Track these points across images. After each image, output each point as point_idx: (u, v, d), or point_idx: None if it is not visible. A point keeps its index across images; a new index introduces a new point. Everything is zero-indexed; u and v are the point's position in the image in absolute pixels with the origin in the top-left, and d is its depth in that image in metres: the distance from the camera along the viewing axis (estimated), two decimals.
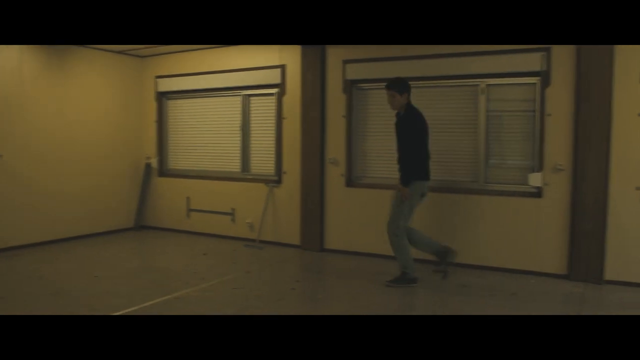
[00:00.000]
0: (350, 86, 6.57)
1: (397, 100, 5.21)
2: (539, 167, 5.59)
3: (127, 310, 4.43)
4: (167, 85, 8.15)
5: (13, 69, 6.63)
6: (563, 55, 5.39)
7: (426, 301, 4.89)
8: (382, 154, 6.50)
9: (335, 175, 6.68)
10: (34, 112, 6.86)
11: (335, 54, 6.57)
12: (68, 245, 7.10)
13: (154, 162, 8.33)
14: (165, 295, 4.89)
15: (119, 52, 7.90)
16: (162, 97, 8.27)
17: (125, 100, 8.15)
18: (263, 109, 7.37)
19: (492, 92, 5.87)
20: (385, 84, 5.32)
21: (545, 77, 5.50)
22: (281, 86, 7.03)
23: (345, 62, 6.52)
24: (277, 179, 7.20)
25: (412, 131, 5.19)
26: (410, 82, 5.53)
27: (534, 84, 5.64)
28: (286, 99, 7.01)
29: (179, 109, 8.24)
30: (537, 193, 5.61)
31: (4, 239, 6.58)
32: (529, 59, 5.55)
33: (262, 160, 7.43)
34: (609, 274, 5.29)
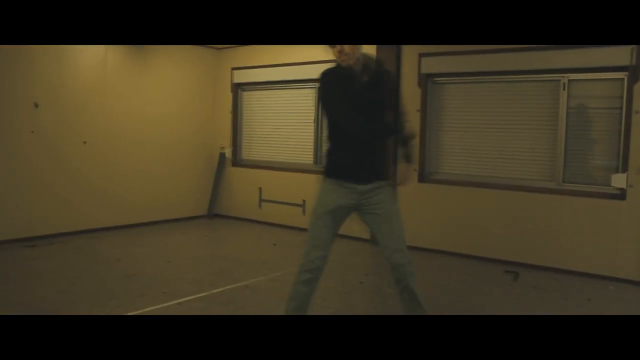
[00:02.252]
0: (426, 80, 6.45)
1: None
2: (624, 168, 5.30)
3: (195, 296, 4.54)
4: (242, 76, 8.28)
5: (98, 64, 6.91)
6: None
7: (491, 303, 4.74)
8: (457, 150, 6.37)
9: None
10: (114, 103, 7.13)
11: (411, 47, 6.45)
12: (143, 230, 7.36)
13: (228, 152, 8.49)
14: (234, 283, 4.98)
15: (196, 45, 8.08)
16: (238, 88, 8.41)
17: (202, 91, 8.35)
18: None
19: (574, 87, 5.61)
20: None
21: (634, 72, 5.19)
22: None
23: (421, 55, 6.40)
24: None
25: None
26: (487, 77, 5.36)
27: (621, 79, 5.34)
28: None
29: (253, 100, 8.36)
30: (620, 195, 5.32)
31: (85, 221, 6.90)
32: (616, 53, 5.25)
33: None
34: None
